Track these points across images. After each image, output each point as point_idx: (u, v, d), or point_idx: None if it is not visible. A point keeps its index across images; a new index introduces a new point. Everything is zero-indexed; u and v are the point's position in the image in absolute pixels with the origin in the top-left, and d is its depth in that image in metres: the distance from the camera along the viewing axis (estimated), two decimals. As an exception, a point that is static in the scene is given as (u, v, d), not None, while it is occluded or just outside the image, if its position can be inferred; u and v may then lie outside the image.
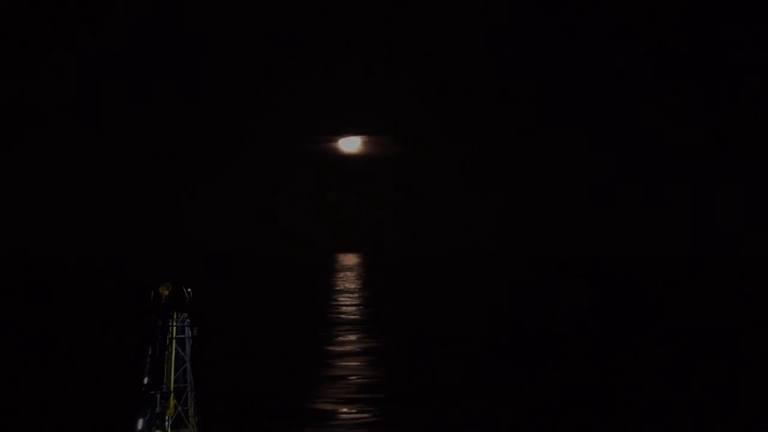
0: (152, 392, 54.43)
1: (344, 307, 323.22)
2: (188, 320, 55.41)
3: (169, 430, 54.67)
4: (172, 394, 54.76)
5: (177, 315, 54.94)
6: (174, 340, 54.62)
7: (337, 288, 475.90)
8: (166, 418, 55.02)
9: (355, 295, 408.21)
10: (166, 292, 54.67)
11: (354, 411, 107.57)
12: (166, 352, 54.47)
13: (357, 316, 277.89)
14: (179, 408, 54.70)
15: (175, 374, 54.86)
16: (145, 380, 54.02)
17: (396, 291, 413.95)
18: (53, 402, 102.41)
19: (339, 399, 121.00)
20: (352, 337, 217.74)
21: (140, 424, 53.61)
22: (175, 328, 54.61)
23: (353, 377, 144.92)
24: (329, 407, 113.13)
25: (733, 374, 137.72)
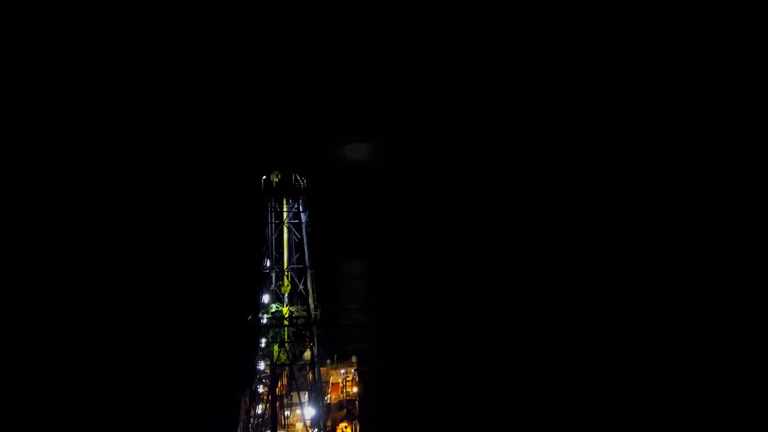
0: (267, 271, 58.44)
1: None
2: (296, 206, 59.41)
3: (287, 305, 58.60)
4: (287, 273, 58.68)
5: (288, 200, 58.95)
6: (286, 223, 58.60)
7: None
8: (284, 294, 59.00)
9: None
10: (276, 179, 58.72)
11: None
12: (284, 235, 58.51)
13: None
14: (300, 287, 58.58)
15: (291, 255, 58.81)
16: (265, 261, 57.99)
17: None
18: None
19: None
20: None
21: (262, 299, 57.59)
22: (288, 212, 58.56)
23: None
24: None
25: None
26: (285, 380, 61.76)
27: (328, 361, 73.58)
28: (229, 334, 64.87)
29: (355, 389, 69.34)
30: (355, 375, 72.70)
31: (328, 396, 68.25)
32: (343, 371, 72.71)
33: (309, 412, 56.35)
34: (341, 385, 70.02)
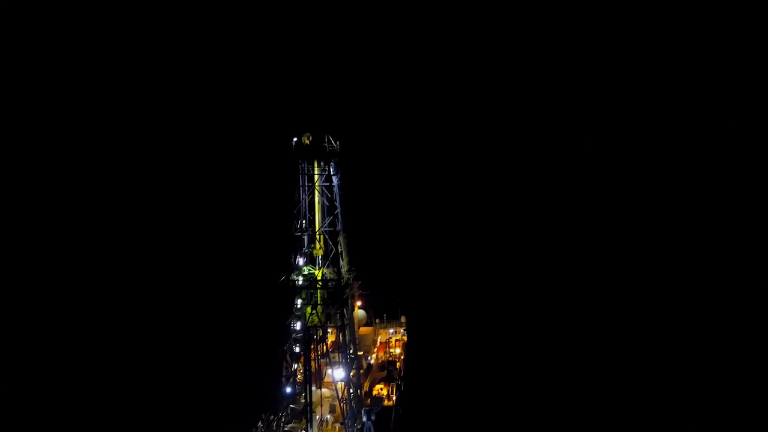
0: (298, 234, 58.44)
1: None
2: (328, 169, 58.30)
3: (320, 268, 58.61)
4: (319, 236, 58.35)
5: (319, 162, 57.95)
6: (318, 186, 57.85)
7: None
8: (317, 257, 59.03)
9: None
10: (307, 141, 57.77)
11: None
12: (315, 198, 58.05)
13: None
14: (334, 249, 58.19)
15: (323, 218, 58.37)
16: (297, 223, 57.95)
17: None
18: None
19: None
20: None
21: (295, 261, 57.94)
22: (320, 174, 57.66)
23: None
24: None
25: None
26: (330, 339, 62.64)
27: (377, 321, 73.70)
28: (262, 295, 66.13)
29: (398, 350, 69.07)
30: (403, 335, 72.33)
31: (372, 356, 68.61)
32: (391, 331, 72.64)
33: (338, 373, 56.86)
34: (386, 345, 70.07)
